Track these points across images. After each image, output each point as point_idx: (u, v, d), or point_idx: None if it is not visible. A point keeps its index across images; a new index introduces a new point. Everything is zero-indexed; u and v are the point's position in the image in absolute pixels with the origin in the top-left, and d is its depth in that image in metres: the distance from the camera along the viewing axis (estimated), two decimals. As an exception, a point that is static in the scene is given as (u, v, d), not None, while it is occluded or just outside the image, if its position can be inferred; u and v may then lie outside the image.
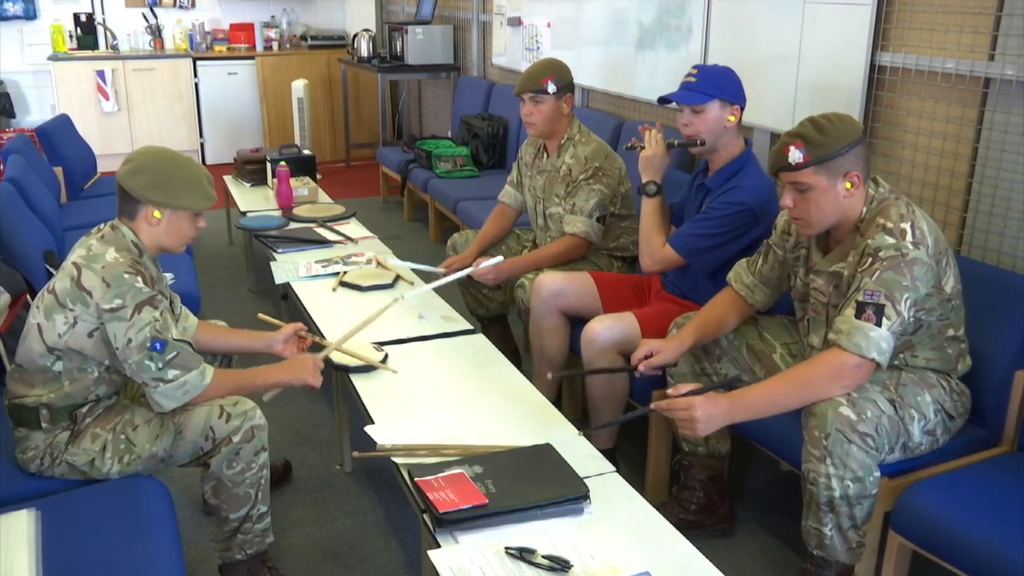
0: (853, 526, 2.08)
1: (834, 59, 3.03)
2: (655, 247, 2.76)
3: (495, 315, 3.50)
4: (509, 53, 5.63)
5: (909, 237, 2.03)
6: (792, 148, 2.10)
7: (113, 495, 2.01)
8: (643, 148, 2.81)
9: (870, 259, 2.04)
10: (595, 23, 4.55)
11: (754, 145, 2.86)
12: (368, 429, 2.15)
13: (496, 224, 3.45)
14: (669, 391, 2.11)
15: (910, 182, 2.85)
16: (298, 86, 7.15)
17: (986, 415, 2.30)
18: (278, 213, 4.08)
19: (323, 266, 3.27)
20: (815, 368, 2.05)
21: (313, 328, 2.75)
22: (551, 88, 3.15)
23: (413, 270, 3.13)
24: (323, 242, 3.59)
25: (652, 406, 2.15)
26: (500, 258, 3.05)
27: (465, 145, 5.54)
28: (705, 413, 2.03)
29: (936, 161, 2.77)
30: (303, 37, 7.95)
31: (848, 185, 2.10)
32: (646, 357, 2.38)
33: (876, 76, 2.91)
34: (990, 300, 2.33)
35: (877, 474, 2.05)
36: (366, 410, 2.26)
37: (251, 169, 4.78)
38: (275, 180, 4.26)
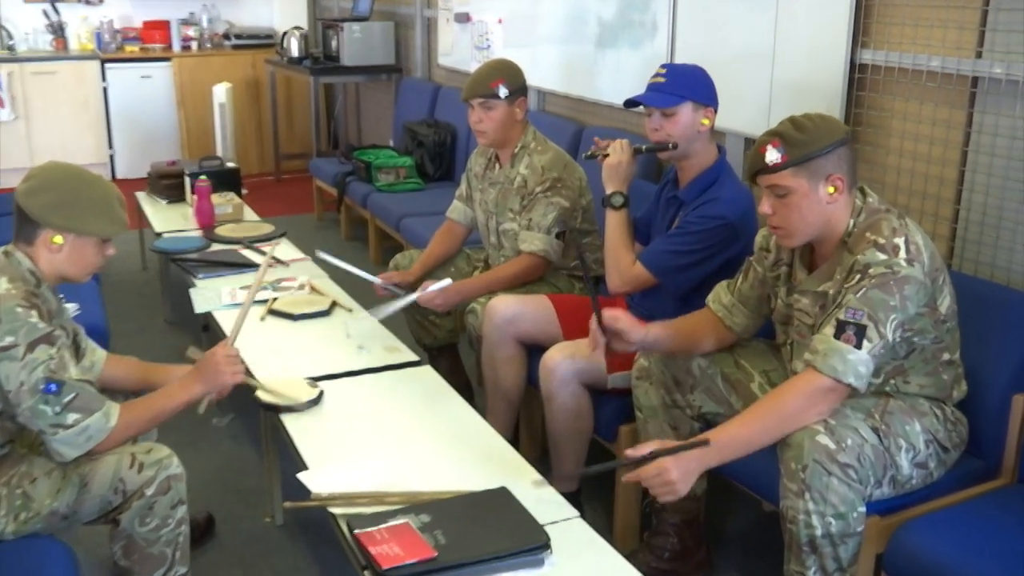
0: (839, 568, 2.09)
1: (811, 57, 3.09)
2: (624, 265, 2.78)
3: (444, 344, 3.50)
4: (457, 52, 5.67)
5: (903, 254, 2.06)
6: (770, 148, 2.13)
7: (8, 558, 1.96)
8: (606, 155, 2.83)
9: (858, 276, 2.07)
10: (551, 19, 4.61)
11: (728, 152, 2.88)
12: (301, 476, 2.13)
13: (444, 243, 3.45)
14: (628, 452, 2.10)
15: (896, 190, 2.91)
16: (220, 91, 7.11)
17: (983, 444, 2.33)
18: (198, 234, 4.05)
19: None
20: (787, 395, 2.07)
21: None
22: (502, 92, 3.17)
23: (348, 272, 3.10)
24: (249, 265, 3.57)
25: (624, 478, 2.14)
26: (448, 281, 3.05)
27: (408, 155, 5.55)
28: (680, 471, 2.02)
29: (923, 167, 2.83)
30: (226, 36, 7.94)
31: (831, 189, 2.13)
32: (607, 341, 2.33)
33: (857, 75, 2.97)
34: (984, 318, 2.37)
35: (862, 509, 2.07)
36: (299, 454, 2.24)
37: (167, 184, 4.75)
38: (194, 197, 4.24)
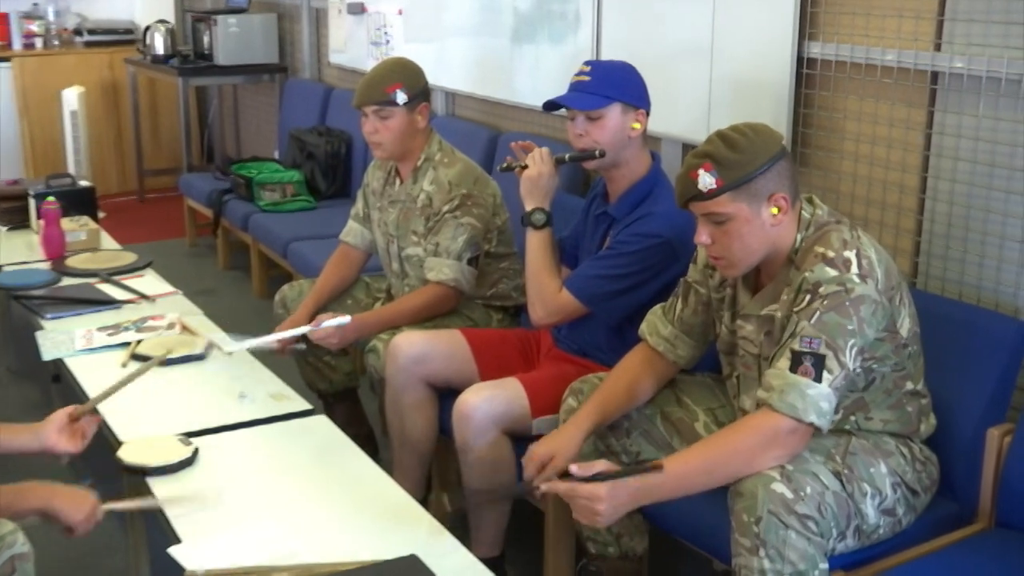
0: (801, 633, 2.11)
1: (754, 51, 3.16)
2: (548, 293, 2.80)
3: (341, 390, 3.49)
4: (351, 49, 5.68)
5: (854, 268, 2.10)
6: (701, 172, 2.15)
7: None
8: (524, 167, 2.85)
9: (807, 296, 2.10)
10: (459, 10, 4.66)
11: (663, 160, 2.96)
12: (173, 551, 2.09)
13: (338, 270, 3.44)
14: (573, 468, 2.13)
15: (852, 200, 2.97)
16: (71, 96, 7.00)
17: (955, 485, 2.39)
18: (46, 266, 3.96)
19: (109, 334, 3.19)
20: (741, 435, 2.10)
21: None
22: (400, 97, 3.17)
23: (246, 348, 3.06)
24: (108, 302, 3.51)
25: (545, 487, 2.16)
26: (347, 318, 3.04)
27: (297, 168, 5.54)
28: (610, 505, 2.05)
29: (881, 174, 2.90)
30: (77, 31, 7.83)
31: (774, 210, 2.17)
32: (541, 468, 2.38)
33: (805, 71, 3.03)
34: (952, 342, 2.42)
35: (824, 566, 2.09)
36: (170, 525, 2.20)
37: (7, 208, 4.64)
38: (41, 222, 4.15)
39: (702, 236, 2.21)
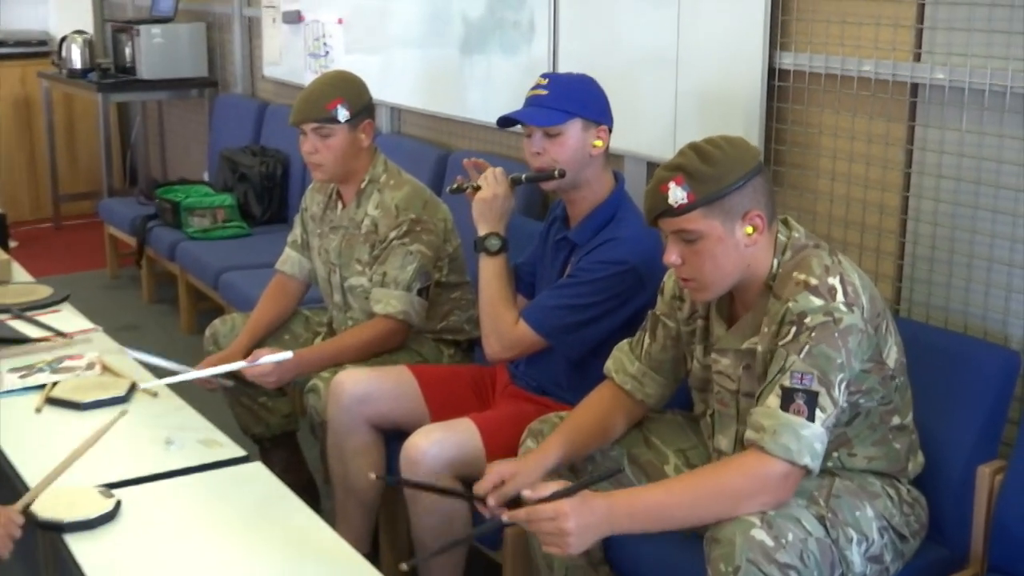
0: None
1: (723, 61, 3.18)
2: (505, 325, 2.79)
3: (279, 433, 3.47)
4: (287, 61, 5.69)
5: (840, 296, 2.11)
6: (672, 186, 2.16)
7: None
8: (476, 188, 2.85)
9: (793, 328, 2.11)
10: (405, 18, 4.67)
11: (627, 180, 2.98)
12: (93, 615, 2.06)
13: (275, 303, 3.43)
14: (526, 493, 2.13)
15: (829, 222, 2.99)
16: (-22, 114, 6.95)
17: (945, 528, 2.39)
18: (-50, 301, 3.90)
19: (21, 376, 3.14)
20: (730, 475, 2.09)
21: (7, 469, 2.62)
22: (341, 114, 3.17)
23: (150, 366, 3.06)
24: (20, 340, 3.46)
25: (505, 516, 2.15)
26: (288, 354, 3.02)
27: (228, 192, 5.52)
28: (579, 523, 2.03)
29: (860, 193, 2.91)
30: (-16, 43, 7.77)
31: (749, 230, 2.18)
32: (498, 485, 2.38)
33: (777, 83, 3.06)
34: (939, 373, 2.43)
35: (807, 618, 2.08)
36: (89, 587, 2.17)
37: (-92, 238, 4.59)
38: (-55, 253, 4.10)
39: (671, 256, 2.21)
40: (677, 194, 2.15)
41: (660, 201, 2.17)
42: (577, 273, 2.74)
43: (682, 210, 2.15)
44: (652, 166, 3.43)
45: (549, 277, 2.88)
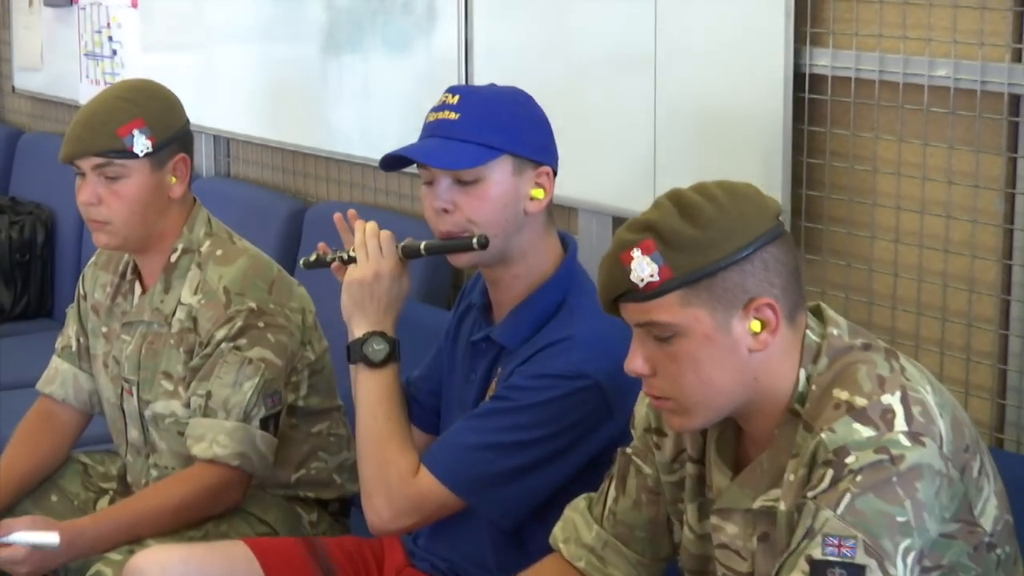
0: None
1: (725, 64, 2.81)
2: (396, 476, 2.40)
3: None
4: (53, 65, 5.26)
5: (901, 424, 1.82)
6: (637, 254, 1.88)
7: None
8: (350, 260, 2.44)
9: (828, 471, 1.81)
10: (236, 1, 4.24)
11: (581, 247, 2.60)
12: None
13: (35, 445, 2.98)
14: None
15: (892, 308, 2.65)
16: None
17: None
18: None
19: None
20: None
21: None
22: (139, 144, 2.73)
23: None
24: None
25: None
26: (55, 537, 2.57)
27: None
28: None
29: (936, 262, 2.55)
30: None
31: (756, 326, 1.87)
32: None
33: (808, 95, 2.68)
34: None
35: None
36: None
37: None
38: None
39: (635, 360, 1.92)
40: (644, 268, 1.88)
41: (620, 276, 1.90)
42: (508, 393, 2.33)
43: (652, 292, 1.87)
44: (618, 222, 3.01)
45: (461, 400, 2.48)
